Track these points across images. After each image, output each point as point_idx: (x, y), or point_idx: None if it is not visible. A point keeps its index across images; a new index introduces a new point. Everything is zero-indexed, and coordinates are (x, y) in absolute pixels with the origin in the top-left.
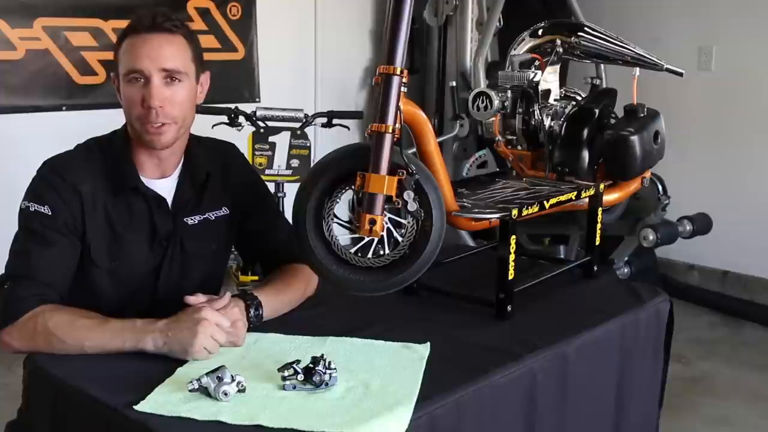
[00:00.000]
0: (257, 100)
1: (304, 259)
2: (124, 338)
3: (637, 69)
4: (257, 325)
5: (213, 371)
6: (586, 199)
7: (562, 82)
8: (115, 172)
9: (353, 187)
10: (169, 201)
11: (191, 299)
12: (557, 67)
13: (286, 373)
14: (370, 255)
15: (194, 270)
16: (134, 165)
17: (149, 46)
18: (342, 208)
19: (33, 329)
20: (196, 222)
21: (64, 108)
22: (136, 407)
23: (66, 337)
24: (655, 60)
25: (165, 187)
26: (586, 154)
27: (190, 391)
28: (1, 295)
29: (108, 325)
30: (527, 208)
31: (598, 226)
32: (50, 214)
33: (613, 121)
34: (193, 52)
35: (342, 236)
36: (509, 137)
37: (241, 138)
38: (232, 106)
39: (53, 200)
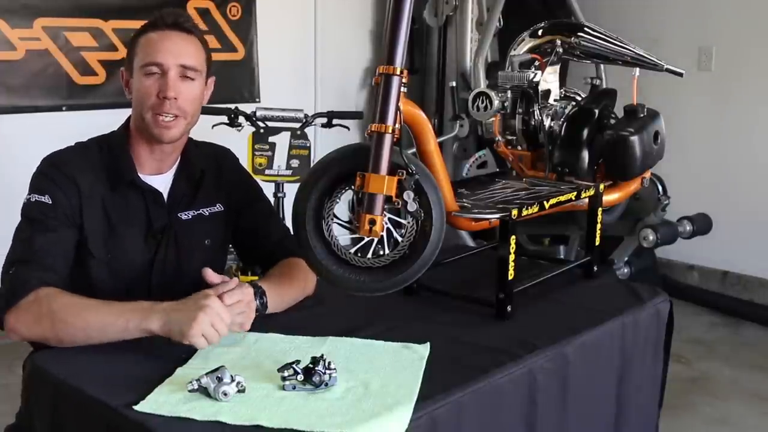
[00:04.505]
0: (257, 100)
1: (302, 255)
2: (128, 318)
3: (637, 69)
4: (262, 314)
5: (213, 371)
6: (586, 200)
7: (562, 82)
8: (113, 166)
9: (353, 187)
10: (165, 196)
11: (210, 273)
12: (557, 68)
13: (285, 374)
14: (370, 255)
15: (188, 265)
16: (132, 159)
17: (170, 41)
18: (342, 208)
19: (38, 311)
20: (190, 217)
21: (64, 108)
22: (135, 407)
23: (70, 317)
24: (655, 60)
25: (161, 182)
26: (586, 155)
27: (189, 391)
28: (6, 280)
29: (112, 306)
30: (527, 209)
31: (598, 226)
32: (50, 203)
33: (613, 121)
34: (205, 54)
35: (342, 236)
36: (509, 137)
37: (241, 138)
38: (232, 106)
39: (53, 191)
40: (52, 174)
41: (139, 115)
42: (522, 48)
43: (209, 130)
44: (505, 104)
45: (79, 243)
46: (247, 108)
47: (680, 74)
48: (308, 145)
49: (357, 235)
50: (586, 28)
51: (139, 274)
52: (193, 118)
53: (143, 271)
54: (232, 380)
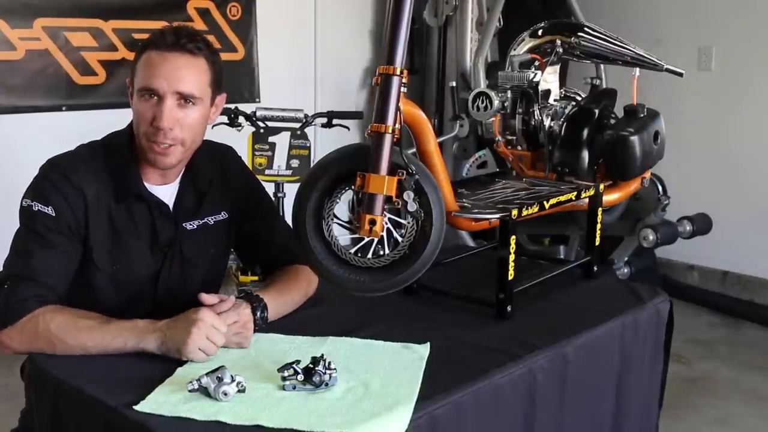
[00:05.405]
0: (257, 100)
1: (304, 259)
2: (126, 338)
3: (637, 69)
4: (262, 327)
5: (213, 371)
6: (586, 200)
7: (562, 82)
8: (119, 176)
9: (353, 187)
10: (170, 206)
11: (205, 297)
12: (557, 68)
13: (285, 374)
14: (370, 255)
15: (193, 275)
16: (137, 170)
17: (167, 66)
18: (342, 208)
19: (34, 331)
20: (195, 227)
21: (64, 108)
22: (135, 407)
23: (68, 339)
24: (655, 60)
25: (166, 192)
26: (586, 155)
27: (189, 391)
28: (1, 294)
29: (110, 326)
30: (527, 209)
31: (598, 226)
32: (54, 215)
33: (613, 121)
34: (212, 75)
35: (342, 236)
36: (509, 137)
37: (241, 138)
38: (232, 106)
39: (57, 201)
40: (57, 181)
41: (137, 135)
42: (522, 48)
43: (209, 130)
44: (505, 104)
45: (83, 255)
46: (247, 108)
47: (680, 74)
48: (308, 145)
49: (357, 235)
50: (586, 28)
51: (144, 286)
52: (194, 142)
53: (148, 284)
54: (232, 380)
